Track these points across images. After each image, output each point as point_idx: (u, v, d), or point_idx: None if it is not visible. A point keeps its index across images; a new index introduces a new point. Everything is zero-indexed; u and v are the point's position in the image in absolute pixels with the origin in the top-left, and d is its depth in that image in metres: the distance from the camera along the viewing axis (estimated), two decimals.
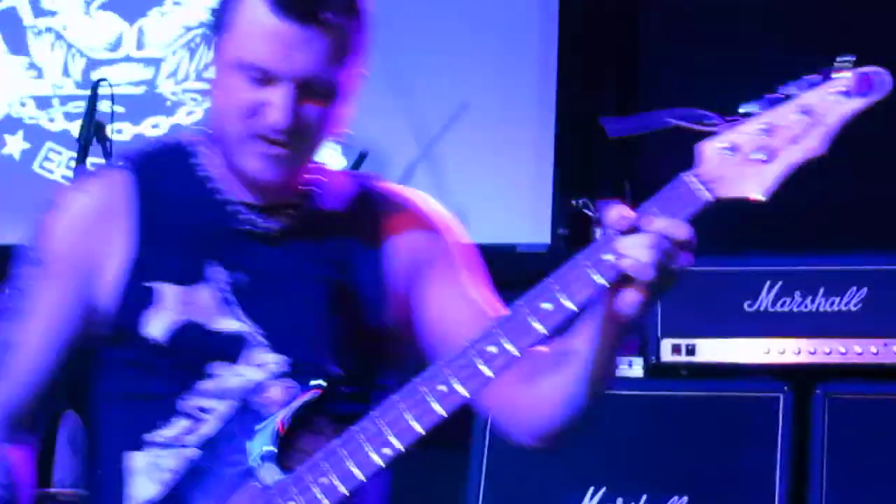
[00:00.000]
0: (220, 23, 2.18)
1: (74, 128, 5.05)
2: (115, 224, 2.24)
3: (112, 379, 2.26)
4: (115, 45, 5.76)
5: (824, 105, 1.97)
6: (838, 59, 1.98)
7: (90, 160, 4.19)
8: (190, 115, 5.73)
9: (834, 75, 1.97)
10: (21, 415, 2.29)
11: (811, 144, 1.97)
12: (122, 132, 5.67)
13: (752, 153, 1.99)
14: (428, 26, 5.39)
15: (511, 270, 2.89)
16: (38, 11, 5.86)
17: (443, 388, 2.06)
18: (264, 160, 2.16)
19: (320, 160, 2.29)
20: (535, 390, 2.19)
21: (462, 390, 2.05)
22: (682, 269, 2.01)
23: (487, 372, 2.04)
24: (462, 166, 5.15)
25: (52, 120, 5.72)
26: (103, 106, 4.69)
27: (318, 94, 2.15)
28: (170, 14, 5.75)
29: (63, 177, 5.42)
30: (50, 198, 2.29)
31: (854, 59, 1.99)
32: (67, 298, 2.25)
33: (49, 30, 5.83)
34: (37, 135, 5.74)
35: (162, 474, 2.19)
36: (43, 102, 5.78)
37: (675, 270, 2.00)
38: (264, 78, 2.13)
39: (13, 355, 2.27)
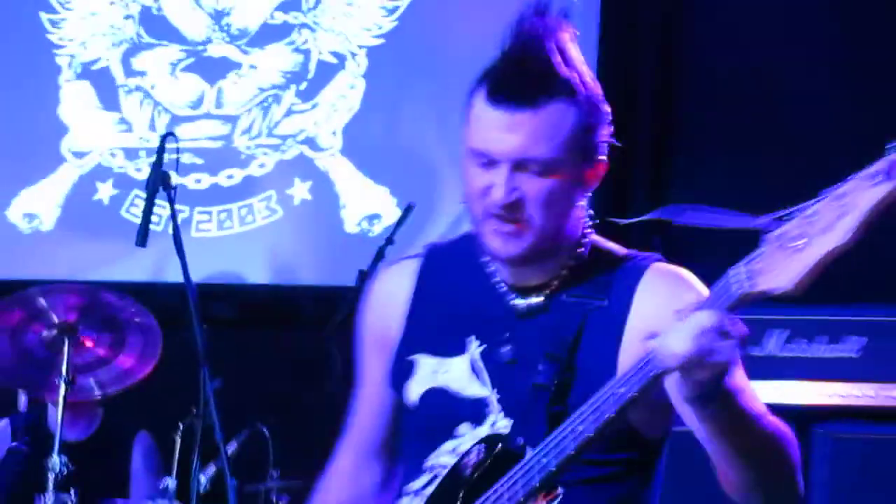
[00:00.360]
0: (463, 117, 2.35)
1: None
2: (400, 304, 2.45)
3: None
4: (197, 104, 5.98)
5: (856, 193, 1.88)
6: (888, 145, 1.88)
7: (157, 205, 4.31)
8: (262, 167, 5.93)
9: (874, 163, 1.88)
10: (373, 477, 2.53)
11: (839, 233, 1.88)
12: (200, 182, 5.94)
13: (789, 244, 1.93)
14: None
15: None
16: (129, 72, 6.09)
17: (544, 459, 2.18)
18: (499, 237, 2.29)
19: (592, 238, 2.38)
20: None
21: (553, 467, 2.17)
22: (719, 359, 1.99)
23: (571, 450, 2.15)
24: None
25: (138, 170, 5.93)
26: (184, 158, 4.93)
27: (534, 170, 2.26)
28: (246, 76, 5.98)
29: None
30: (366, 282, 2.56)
31: None
32: (380, 371, 2.47)
33: (139, 88, 6.07)
34: (125, 183, 5.99)
35: None
36: (131, 153, 6.02)
37: (712, 359, 1.99)
38: (489, 162, 2.28)
39: (356, 420, 2.54)
